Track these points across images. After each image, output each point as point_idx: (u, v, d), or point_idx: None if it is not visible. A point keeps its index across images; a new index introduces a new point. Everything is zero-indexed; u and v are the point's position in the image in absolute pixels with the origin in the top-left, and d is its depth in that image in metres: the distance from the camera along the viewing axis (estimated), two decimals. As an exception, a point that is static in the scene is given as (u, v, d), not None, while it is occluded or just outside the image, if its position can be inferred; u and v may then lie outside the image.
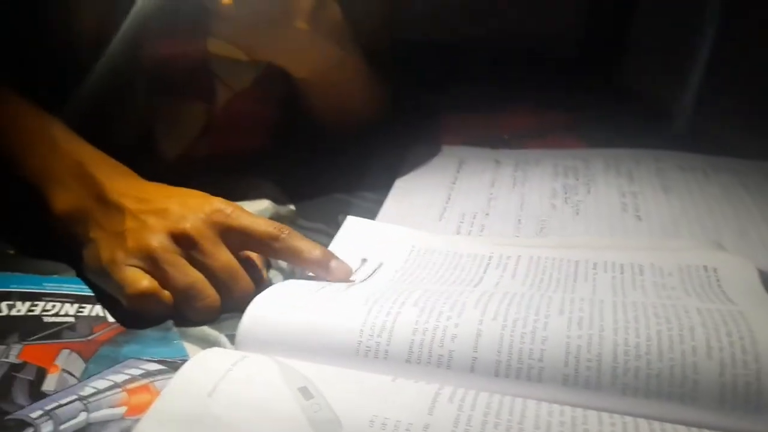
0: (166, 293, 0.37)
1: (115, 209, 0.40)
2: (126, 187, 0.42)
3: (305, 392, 0.29)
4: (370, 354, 0.32)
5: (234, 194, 0.52)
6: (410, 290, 0.36)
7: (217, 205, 0.40)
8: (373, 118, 0.61)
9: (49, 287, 0.41)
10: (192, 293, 0.38)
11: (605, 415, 0.28)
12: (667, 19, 0.72)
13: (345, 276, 0.40)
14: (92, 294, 0.40)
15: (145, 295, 0.37)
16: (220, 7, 0.45)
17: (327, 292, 0.37)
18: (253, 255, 0.42)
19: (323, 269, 0.40)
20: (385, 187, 0.56)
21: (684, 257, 0.40)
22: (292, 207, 0.52)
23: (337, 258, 0.41)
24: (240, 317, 0.36)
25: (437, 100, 0.71)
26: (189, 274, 0.38)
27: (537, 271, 0.40)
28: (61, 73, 0.49)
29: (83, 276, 0.42)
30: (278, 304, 0.35)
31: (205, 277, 0.38)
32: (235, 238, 0.40)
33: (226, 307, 0.39)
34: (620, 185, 0.52)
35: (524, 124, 0.68)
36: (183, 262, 0.38)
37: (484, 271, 0.41)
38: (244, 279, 0.39)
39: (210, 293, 0.38)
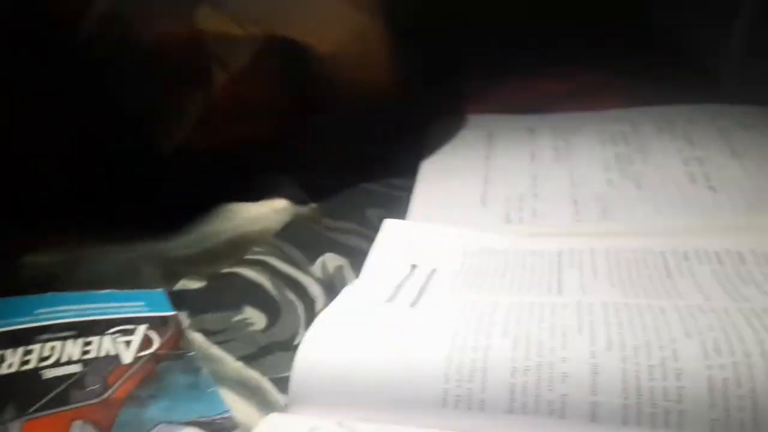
0: None
1: None
2: None
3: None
4: (461, 404, 0.26)
5: (245, 194, 0.46)
6: (491, 311, 0.30)
7: None
8: (392, 92, 0.54)
9: (43, 315, 0.33)
10: None
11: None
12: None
13: None
14: (101, 315, 0.34)
15: None
16: None
17: (389, 315, 0.31)
18: None
19: None
20: (410, 170, 0.50)
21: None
22: (313, 205, 0.46)
23: None
24: (280, 354, 0.30)
25: (452, 66, 0.64)
26: None
27: (620, 268, 0.35)
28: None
29: None
30: (336, 342, 0.29)
31: None
32: None
33: None
34: (680, 150, 0.46)
35: (555, 86, 0.61)
36: None
37: (559, 273, 0.35)
38: None
39: None
